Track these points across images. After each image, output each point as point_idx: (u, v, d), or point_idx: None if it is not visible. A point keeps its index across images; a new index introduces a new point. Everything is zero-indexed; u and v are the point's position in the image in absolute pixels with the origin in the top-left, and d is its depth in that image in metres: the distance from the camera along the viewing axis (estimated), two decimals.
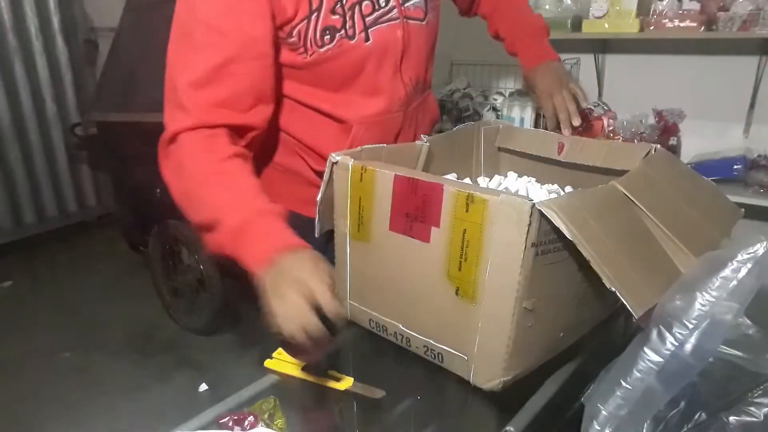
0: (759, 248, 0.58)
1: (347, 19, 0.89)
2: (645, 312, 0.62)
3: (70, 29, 3.47)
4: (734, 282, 0.58)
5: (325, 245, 0.92)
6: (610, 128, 2.18)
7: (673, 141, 2.12)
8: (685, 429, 0.62)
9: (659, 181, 0.80)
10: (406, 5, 0.95)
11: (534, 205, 0.62)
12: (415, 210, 0.75)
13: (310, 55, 0.89)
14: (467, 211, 0.69)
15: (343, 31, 0.89)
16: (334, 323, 0.65)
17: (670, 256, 0.73)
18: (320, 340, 0.65)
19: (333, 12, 0.88)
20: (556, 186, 1.00)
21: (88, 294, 2.97)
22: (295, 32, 0.87)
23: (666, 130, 2.13)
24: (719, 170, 2.01)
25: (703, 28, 1.96)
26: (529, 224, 0.63)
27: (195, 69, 0.82)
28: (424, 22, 0.99)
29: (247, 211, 0.76)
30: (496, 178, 1.04)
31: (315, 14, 0.87)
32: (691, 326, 0.58)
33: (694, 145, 2.20)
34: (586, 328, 0.83)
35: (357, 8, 0.90)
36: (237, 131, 0.86)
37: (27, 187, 3.42)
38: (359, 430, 0.76)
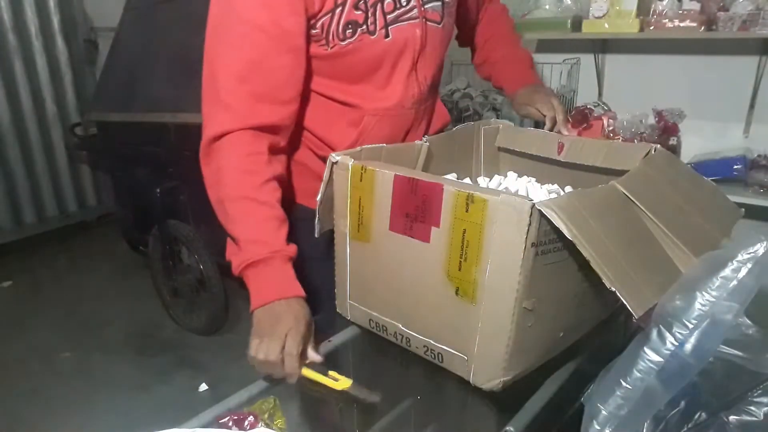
0: (759, 248, 0.58)
1: (369, 15, 0.92)
2: (645, 312, 0.62)
3: (70, 29, 3.47)
4: (734, 282, 0.58)
5: (328, 245, 0.92)
6: (610, 128, 2.18)
7: (673, 141, 2.12)
8: (685, 429, 0.62)
9: (659, 181, 0.80)
10: (425, 7, 0.98)
11: (534, 205, 0.62)
12: (415, 210, 0.75)
13: (332, 48, 0.92)
14: (467, 211, 0.69)
15: (364, 27, 0.92)
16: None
17: (670, 256, 0.73)
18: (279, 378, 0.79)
19: (356, 8, 0.91)
20: (556, 186, 1.00)
21: (88, 294, 2.97)
22: (318, 24, 0.90)
23: (666, 130, 2.12)
24: (719, 170, 2.01)
25: (703, 28, 1.96)
26: (529, 224, 0.63)
27: (234, 64, 0.86)
28: (440, 25, 1.02)
29: (270, 249, 0.84)
30: (496, 178, 1.04)
31: (339, 8, 0.90)
32: (691, 326, 0.58)
33: (694, 145, 2.20)
34: (586, 328, 0.83)
35: (379, 5, 0.93)
36: (276, 130, 0.91)
37: (27, 187, 3.41)
38: (359, 430, 0.76)
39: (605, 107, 2.33)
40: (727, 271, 0.58)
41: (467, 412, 0.78)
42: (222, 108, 0.86)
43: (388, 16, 0.94)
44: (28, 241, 3.47)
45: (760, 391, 0.59)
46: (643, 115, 2.17)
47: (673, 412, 0.62)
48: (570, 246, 0.64)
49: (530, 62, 1.26)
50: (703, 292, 0.59)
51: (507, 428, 0.67)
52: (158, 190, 2.36)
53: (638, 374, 0.59)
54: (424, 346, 0.80)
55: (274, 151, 0.91)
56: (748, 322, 0.62)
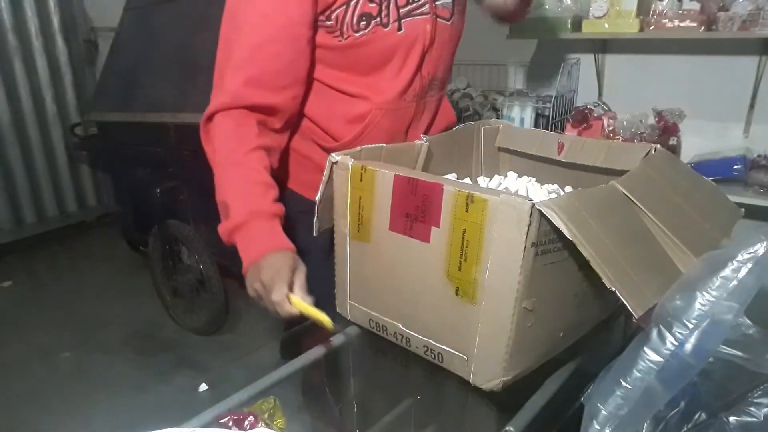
0: (759, 248, 0.58)
1: (383, 8, 0.95)
2: (645, 312, 0.62)
3: (70, 29, 3.47)
4: (734, 282, 0.58)
5: (329, 243, 0.93)
6: (610, 128, 2.18)
7: (673, 141, 2.12)
8: (685, 429, 0.62)
9: (659, 181, 0.80)
10: (436, 3, 1.00)
11: (534, 205, 0.62)
12: (415, 210, 0.75)
13: (345, 39, 0.95)
14: (467, 211, 0.69)
15: (378, 19, 0.95)
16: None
17: (670, 256, 0.73)
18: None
19: (370, 0, 0.94)
20: (556, 186, 1.00)
21: (88, 294, 2.97)
22: (333, 16, 0.93)
23: (666, 130, 2.12)
24: (719, 170, 2.00)
25: (703, 28, 1.96)
26: (529, 224, 0.63)
27: (238, 48, 0.92)
28: (449, 22, 1.04)
29: (248, 211, 0.88)
30: (496, 178, 1.04)
31: (354, 1, 0.93)
32: (691, 326, 0.58)
33: (694, 145, 2.20)
34: (586, 328, 0.83)
35: None
36: (269, 111, 0.95)
37: (27, 187, 3.41)
38: (359, 430, 0.76)
39: (605, 107, 2.33)
40: (727, 271, 0.58)
41: (467, 412, 0.79)
42: (221, 89, 0.93)
43: (401, 10, 0.97)
44: (28, 241, 3.47)
45: (760, 392, 0.59)
46: (643, 115, 2.17)
47: (673, 412, 0.62)
48: (570, 246, 0.64)
49: None
50: (703, 292, 0.58)
51: (507, 428, 0.67)
52: (158, 190, 2.36)
53: (638, 374, 0.59)
54: (424, 346, 0.80)
55: (264, 125, 0.95)
56: (748, 322, 0.62)
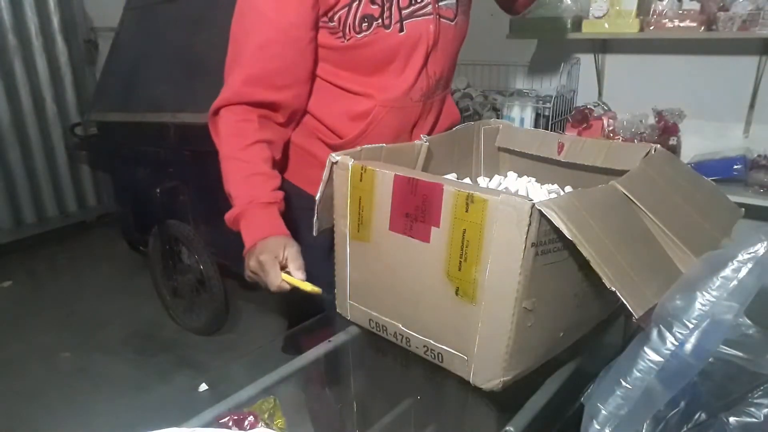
0: (759, 248, 0.58)
1: (385, 9, 0.96)
2: (645, 312, 0.62)
3: (70, 29, 3.46)
4: (734, 282, 0.58)
5: (330, 241, 0.93)
6: (610, 128, 2.18)
7: (673, 141, 2.12)
8: (685, 429, 0.62)
9: (659, 181, 0.80)
10: (439, 4, 1.01)
11: (534, 205, 0.62)
12: (415, 210, 0.75)
13: (348, 40, 0.97)
14: (467, 211, 0.69)
15: (380, 20, 0.96)
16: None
17: (670, 256, 0.73)
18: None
19: (372, 2, 0.95)
20: (556, 186, 1.00)
21: (88, 294, 2.97)
22: (336, 17, 0.95)
23: (666, 130, 2.12)
24: (719, 170, 2.01)
25: (703, 28, 1.96)
26: (529, 224, 0.63)
27: (242, 48, 0.96)
28: (453, 23, 1.05)
29: (247, 201, 0.95)
30: (496, 178, 1.04)
31: (356, 2, 0.94)
32: (691, 326, 0.58)
33: (694, 145, 2.20)
34: (586, 328, 0.83)
35: (395, 0, 0.97)
36: (271, 107, 0.99)
37: (27, 187, 3.41)
38: (359, 430, 0.76)
39: (605, 107, 2.33)
40: (727, 271, 0.58)
41: (467, 412, 0.78)
42: (226, 86, 0.99)
43: (404, 11, 0.98)
44: (28, 241, 3.47)
45: (760, 392, 0.59)
46: (643, 115, 2.17)
47: (673, 412, 0.62)
48: (570, 246, 0.64)
49: None
50: (704, 292, 0.58)
51: (507, 428, 0.67)
52: (158, 190, 2.36)
53: (638, 374, 0.59)
54: (424, 346, 0.80)
55: (266, 119, 1.00)
56: (748, 322, 0.62)
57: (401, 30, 0.98)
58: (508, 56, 2.55)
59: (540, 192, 0.95)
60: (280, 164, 1.06)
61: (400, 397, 0.78)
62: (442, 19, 1.03)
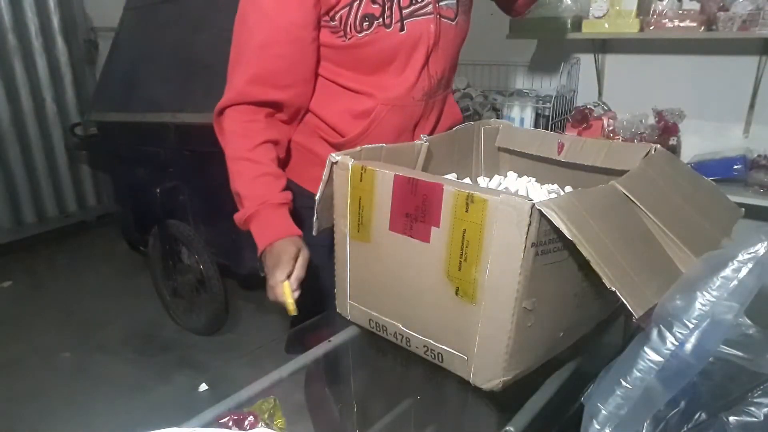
0: (760, 248, 0.58)
1: (386, 9, 0.97)
2: (645, 312, 0.62)
3: (70, 29, 3.46)
4: (735, 282, 0.58)
5: (332, 239, 0.93)
6: (610, 128, 2.18)
7: (673, 141, 2.12)
8: (685, 429, 0.62)
9: (659, 181, 0.80)
10: (440, 4, 1.02)
11: (534, 205, 0.62)
12: (415, 210, 0.75)
13: (349, 39, 0.97)
14: (467, 211, 0.69)
15: (381, 20, 0.97)
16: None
17: (670, 256, 0.73)
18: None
19: (373, 1, 0.96)
20: (556, 186, 1.00)
21: (88, 294, 2.97)
22: (337, 17, 0.95)
23: (666, 130, 2.12)
24: (719, 170, 2.00)
25: (703, 28, 1.96)
26: (529, 224, 0.63)
27: (245, 48, 0.97)
28: (453, 22, 1.06)
29: (260, 202, 0.95)
30: (496, 178, 1.04)
31: (357, 2, 0.95)
32: (691, 326, 0.58)
33: (694, 145, 2.20)
34: (586, 328, 0.83)
35: (396, 0, 0.97)
36: (275, 106, 1.00)
37: (27, 187, 3.41)
38: (359, 430, 0.76)
39: (605, 107, 2.33)
40: (727, 271, 0.58)
41: (467, 412, 0.79)
42: (230, 86, 0.99)
43: (404, 11, 0.98)
44: (28, 241, 3.47)
45: (760, 392, 0.59)
46: (643, 115, 2.17)
47: (673, 412, 0.62)
48: (570, 246, 0.64)
49: None
50: (704, 292, 0.58)
51: (507, 428, 0.67)
52: (158, 190, 2.36)
53: (638, 374, 0.59)
54: (424, 346, 0.80)
55: (271, 119, 1.01)
56: (748, 322, 0.62)
57: (402, 29, 0.98)
58: (508, 56, 2.55)
59: (540, 192, 0.95)
60: (283, 162, 1.06)
61: (400, 397, 0.78)
62: (442, 19, 1.03)
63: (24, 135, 3.34)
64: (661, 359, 0.59)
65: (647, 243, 0.73)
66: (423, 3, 0.99)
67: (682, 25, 1.99)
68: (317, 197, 0.87)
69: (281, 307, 0.89)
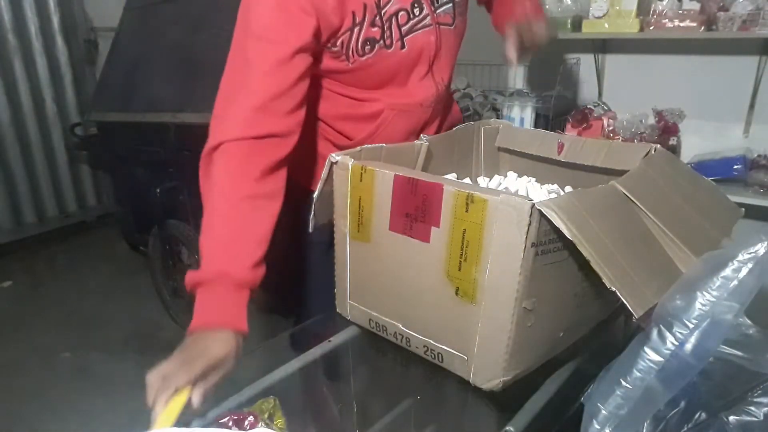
0: (760, 248, 0.58)
1: (385, 30, 0.96)
2: (645, 312, 0.62)
3: (70, 29, 3.46)
4: (735, 282, 0.58)
5: (327, 249, 0.93)
6: (610, 128, 2.18)
7: (673, 141, 2.12)
8: (685, 429, 0.62)
9: (659, 181, 0.80)
10: (437, 12, 1.01)
11: (534, 205, 0.62)
12: (415, 210, 0.75)
13: (352, 63, 0.97)
14: (467, 211, 0.69)
15: (381, 42, 0.96)
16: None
17: (670, 256, 0.73)
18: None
19: (373, 24, 0.94)
20: (556, 186, 1.00)
21: (88, 294, 2.97)
22: (339, 42, 0.94)
23: (666, 130, 2.12)
24: (719, 170, 2.00)
25: (703, 28, 1.96)
26: (529, 224, 0.63)
27: (243, 78, 0.87)
28: (452, 26, 1.05)
29: (220, 272, 0.80)
30: (496, 178, 1.04)
31: (357, 27, 0.94)
32: (691, 326, 0.58)
33: (694, 145, 2.20)
34: (586, 328, 0.83)
35: (394, 19, 0.96)
36: (279, 138, 0.88)
37: (27, 187, 3.41)
38: (359, 430, 0.76)
39: (605, 107, 2.33)
40: (727, 271, 0.58)
41: (467, 412, 0.79)
42: (225, 119, 0.87)
43: (403, 28, 0.97)
44: (28, 241, 3.47)
45: (760, 392, 0.59)
46: (643, 115, 2.17)
47: (673, 412, 0.62)
48: (570, 246, 0.64)
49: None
50: (704, 292, 0.59)
51: (507, 428, 0.67)
52: (158, 190, 2.36)
53: (638, 374, 0.59)
54: (424, 346, 0.80)
55: (270, 165, 0.87)
56: (748, 322, 0.62)
57: (402, 47, 0.98)
58: None
59: (540, 192, 0.95)
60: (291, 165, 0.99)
61: (400, 397, 0.78)
62: (441, 26, 1.02)
63: (24, 135, 3.34)
64: (661, 359, 0.59)
65: (647, 243, 0.73)
66: (421, 16, 0.99)
67: (682, 25, 1.99)
68: (315, 195, 0.87)
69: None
